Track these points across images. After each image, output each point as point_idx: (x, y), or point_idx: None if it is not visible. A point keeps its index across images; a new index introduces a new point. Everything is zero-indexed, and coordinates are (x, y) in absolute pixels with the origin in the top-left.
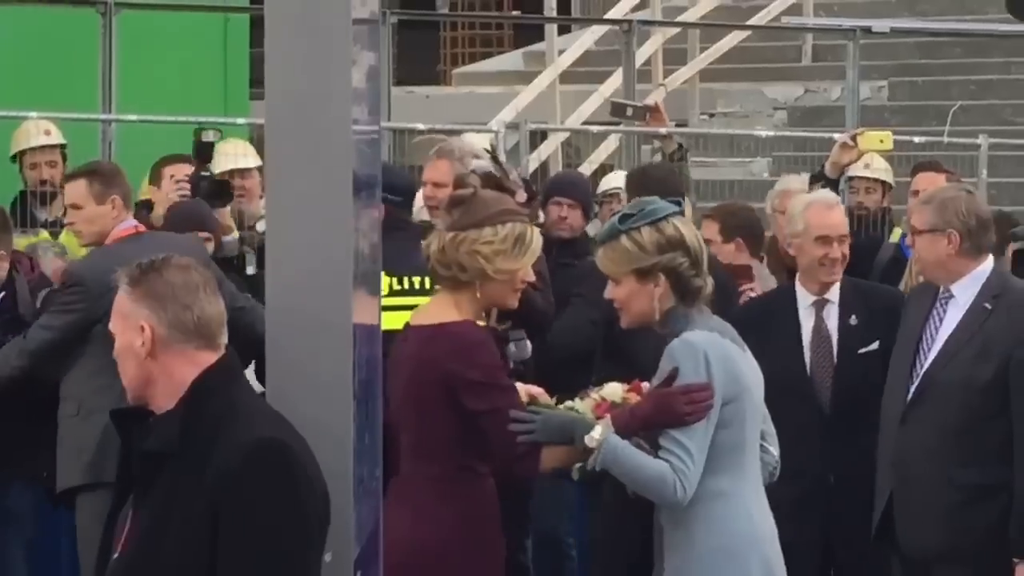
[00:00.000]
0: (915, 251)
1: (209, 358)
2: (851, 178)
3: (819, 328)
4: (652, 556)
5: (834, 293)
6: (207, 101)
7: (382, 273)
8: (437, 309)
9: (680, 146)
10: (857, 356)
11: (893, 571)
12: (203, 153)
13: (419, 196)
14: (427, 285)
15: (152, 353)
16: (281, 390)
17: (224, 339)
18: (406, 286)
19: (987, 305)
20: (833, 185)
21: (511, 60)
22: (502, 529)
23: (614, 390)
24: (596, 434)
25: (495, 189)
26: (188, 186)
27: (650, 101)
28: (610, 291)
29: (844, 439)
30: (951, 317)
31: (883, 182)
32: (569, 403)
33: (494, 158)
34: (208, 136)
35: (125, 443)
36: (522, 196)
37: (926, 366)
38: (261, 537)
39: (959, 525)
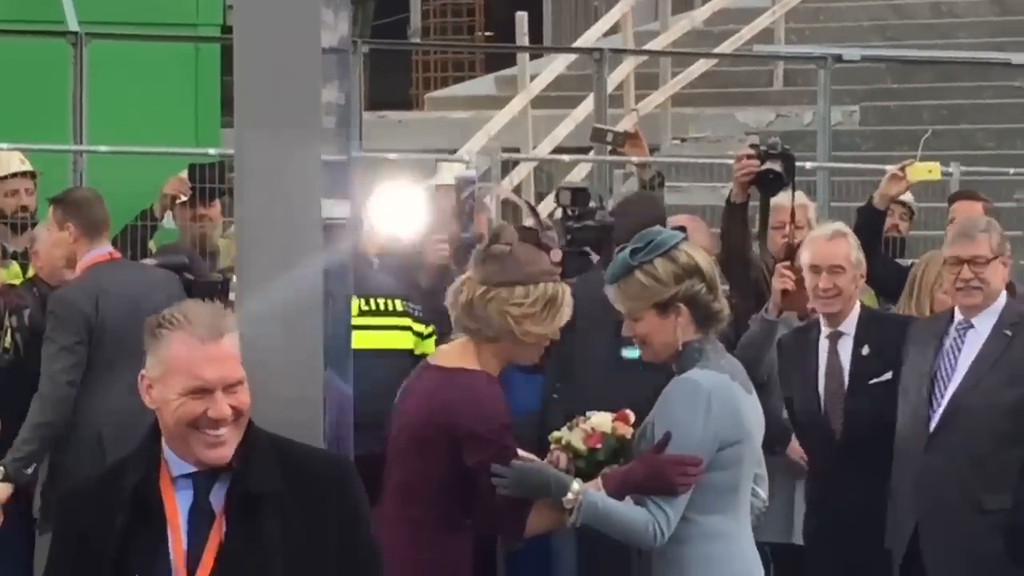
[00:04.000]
0: (981, 278)
1: None
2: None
3: (832, 361)
4: None
5: (849, 325)
6: (178, 131)
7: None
8: (457, 354)
9: (658, 173)
10: (868, 386)
11: None
12: None
13: None
14: (393, 306)
15: None
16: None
17: None
18: (375, 307)
19: (1007, 332)
20: (881, 216)
21: (483, 85)
22: None
23: (603, 420)
24: (571, 494)
25: (531, 243)
26: (448, 248)
27: (628, 127)
28: (629, 328)
29: (859, 469)
30: (971, 345)
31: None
32: (558, 433)
33: (532, 210)
34: None
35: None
36: (557, 255)
37: (950, 394)
38: (374, 541)
39: (988, 551)
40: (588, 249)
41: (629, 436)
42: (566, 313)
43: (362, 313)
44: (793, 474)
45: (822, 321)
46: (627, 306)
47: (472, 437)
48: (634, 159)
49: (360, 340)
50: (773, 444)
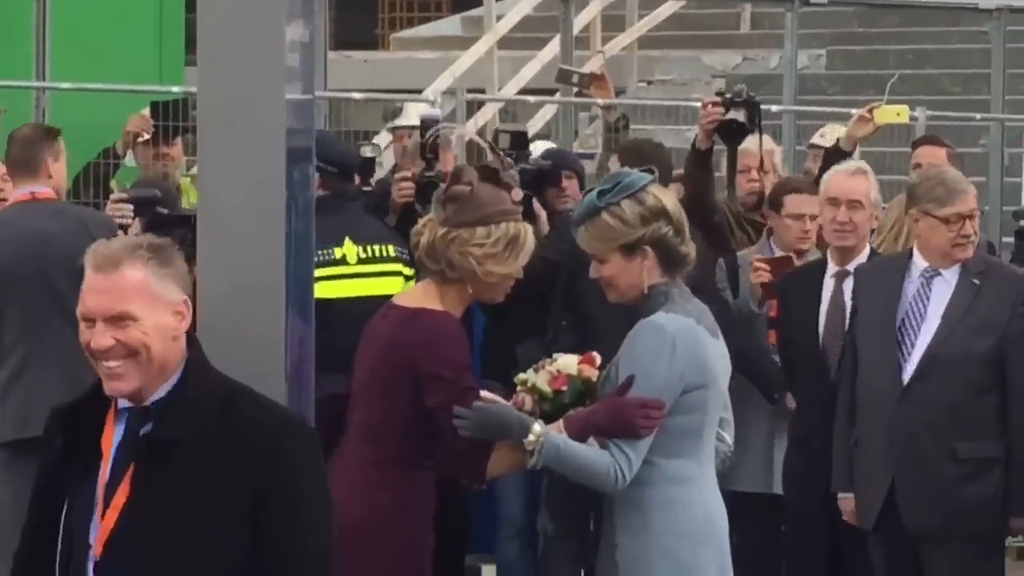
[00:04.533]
0: (973, 232)
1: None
2: (810, 145)
3: (835, 299)
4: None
5: (857, 264)
6: (142, 68)
7: (348, 242)
8: (420, 294)
9: (623, 115)
10: None
11: (874, 556)
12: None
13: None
14: (387, 252)
15: (181, 335)
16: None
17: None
18: (371, 254)
19: (975, 281)
20: (847, 158)
21: (449, 25)
22: (437, 529)
23: (569, 362)
24: (533, 435)
25: (492, 183)
26: (413, 187)
27: (595, 69)
28: (596, 270)
29: None
30: (939, 294)
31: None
32: (523, 375)
33: (494, 150)
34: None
35: (73, 435)
36: (518, 194)
37: (924, 344)
38: (310, 508)
39: (961, 498)
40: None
41: (595, 379)
42: (528, 252)
43: (360, 261)
44: (781, 416)
45: (830, 258)
46: (593, 247)
47: (433, 378)
48: (599, 101)
49: (357, 288)
50: (771, 391)
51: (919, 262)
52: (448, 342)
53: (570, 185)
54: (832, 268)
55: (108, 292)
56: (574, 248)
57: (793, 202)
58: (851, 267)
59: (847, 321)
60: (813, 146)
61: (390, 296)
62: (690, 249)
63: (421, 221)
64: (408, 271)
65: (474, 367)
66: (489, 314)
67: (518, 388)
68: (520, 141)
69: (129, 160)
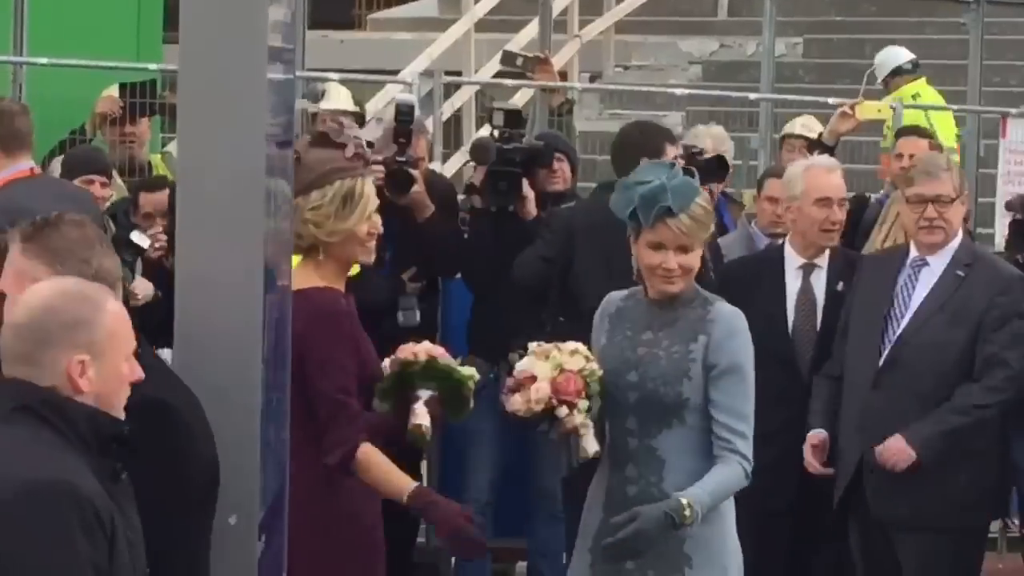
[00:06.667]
0: (944, 218)
1: None
2: (787, 137)
3: (806, 292)
4: None
5: (823, 258)
6: (120, 45)
7: None
8: (301, 275)
9: (567, 99)
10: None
11: (852, 539)
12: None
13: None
14: None
15: None
16: (189, 351)
17: (119, 293)
18: None
19: (960, 273)
20: (829, 152)
21: (426, 6)
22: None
23: (574, 358)
24: (687, 510)
25: (322, 146)
26: (383, 171)
27: (539, 52)
28: (680, 259)
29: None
30: (924, 284)
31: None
32: (516, 356)
33: (332, 116)
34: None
35: None
36: (351, 150)
37: (900, 331)
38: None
39: (929, 489)
40: (517, 169)
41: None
42: (367, 204)
43: None
44: None
45: (791, 252)
46: (697, 234)
47: (311, 359)
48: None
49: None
50: None
51: (912, 250)
52: (325, 318)
53: (560, 167)
54: (797, 260)
55: None
56: (570, 243)
57: (772, 185)
58: (818, 260)
59: (819, 316)
60: (798, 136)
61: None
62: None
63: None
64: None
65: (461, 342)
66: (477, 292)
67: (561, 411)
68: (514, 119)
69: (99, 139)
